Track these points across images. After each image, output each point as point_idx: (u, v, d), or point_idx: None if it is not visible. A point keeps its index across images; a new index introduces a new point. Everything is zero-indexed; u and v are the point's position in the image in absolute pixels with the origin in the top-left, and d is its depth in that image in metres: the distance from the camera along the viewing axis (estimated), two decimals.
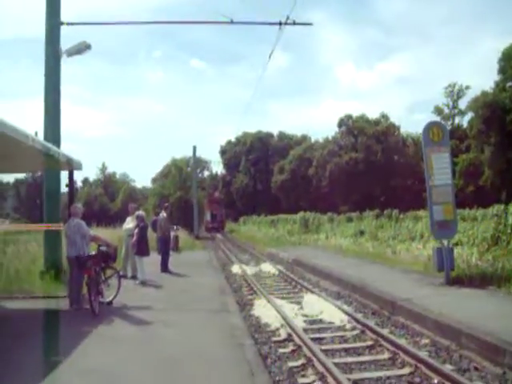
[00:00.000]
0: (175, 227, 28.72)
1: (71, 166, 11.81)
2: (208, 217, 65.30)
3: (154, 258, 17.04)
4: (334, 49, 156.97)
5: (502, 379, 6.69)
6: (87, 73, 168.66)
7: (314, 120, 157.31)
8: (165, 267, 17.49)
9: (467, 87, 74.24)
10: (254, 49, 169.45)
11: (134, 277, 15.21)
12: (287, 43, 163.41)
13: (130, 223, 16.06)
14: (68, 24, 14.41)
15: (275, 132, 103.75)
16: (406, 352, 7.85)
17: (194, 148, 52.50)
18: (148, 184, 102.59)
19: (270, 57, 18.95)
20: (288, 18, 15.93)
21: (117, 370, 6.63)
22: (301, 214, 52.37)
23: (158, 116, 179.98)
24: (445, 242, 12.67)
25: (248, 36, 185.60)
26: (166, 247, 18.22)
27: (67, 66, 14.77)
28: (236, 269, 21.00)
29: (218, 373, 6.53)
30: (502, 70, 57.58)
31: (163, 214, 18.34)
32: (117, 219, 33.40)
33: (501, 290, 11.22)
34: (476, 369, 7.20)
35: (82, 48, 14.38)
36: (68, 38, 14.57)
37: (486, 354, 7.43)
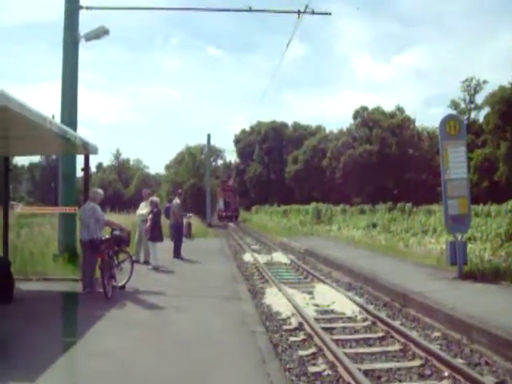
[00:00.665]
0: (188, 214, 28.86)
1: (87, 150, 11.84)
2: (221, 205, 63.10)
3: (167, 244, 17.14)
4: (352, 40, 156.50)
5: None
6: (103, 59, 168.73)
7: (330, 111, 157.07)
8: (177, 253, 17.59)
9: (484, 82, 73.75)
10: (271, 38, 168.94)
11: (146, 262, 15.30)
12: (304, 33, 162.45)
13: (143, 209, 16.12)
14: (87, 8, 14.45)
15: (290, 122, 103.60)
16: (417, 344, 7.85)
17: (209, 136, 52.56)
18: (161, 171, 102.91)
19: (287, 46, 18.93)
20: (307, 7, 15.91)
21: (130, 353, 6.69)
22: (313, 204, 52.34)
23: (173, 103, 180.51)
24: (458, 236, 12.62)
25: (265, 25, 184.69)
26: (179, 234, 18.31)
27: (83, 51, 14.84)
28: (248, 257, 21.09)
29: (229, 359, 6.57)
30: None
31: (177, 201, 18.40)
32: (130, 205, 33.54)
33: None
34: (487, 363, 7.18)
35: (100, 33, 14.40)
36: (85, 23, 14.66)
37: (497, 349, 7.41)
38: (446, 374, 6.68)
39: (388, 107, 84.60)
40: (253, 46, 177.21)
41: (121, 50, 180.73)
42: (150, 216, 14.97)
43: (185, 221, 26.35)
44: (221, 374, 6.02)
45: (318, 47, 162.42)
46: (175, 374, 5.95)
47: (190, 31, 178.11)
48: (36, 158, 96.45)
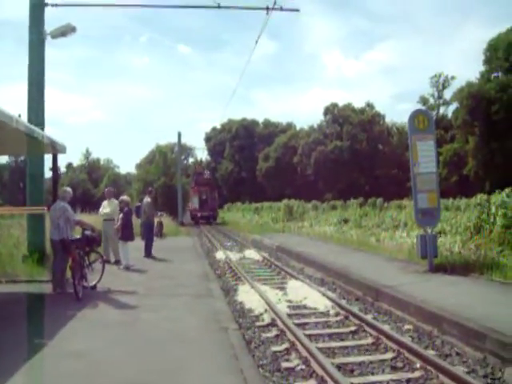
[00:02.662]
0: (159, 213, 28.72)
1: (55, 149, 11.69)
2: (195, 203, 52.28)
3: (138, 243, 17.04)
4: (321, 37, 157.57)
5: (483, 363, 6.78)
6: (71, 58, 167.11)
7: (301, 108, 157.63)
8: (148, 252, 17.44)
9: (453, 77, 75.04)
10: (240, 35, 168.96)
11: (117, 262, 15.14)
12: (274, 31, 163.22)
13: (106, 207, 15.79)
14: (52, 5, 14.24)
15: (260, 119, 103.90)
16: (389, 337, 7.91)
17: (179, 134, 52.10)
18: (132, 170, 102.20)
19: (256, 42, 18.82)
20: (275, 3, 15.93)
21: (101, 353, 6.60)
22: (285, 201, 52.48)
23: (143, 102, 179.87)
24: (428, 230, 12.74)
25: (235, 22, 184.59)
26: (150, 233, 18.14)
27: (52, 50, 14.66)
28: (220, 255, 21.02)
29: (202, 356, 6.52)
30: (488, 61, 57.97)
31: (147, 200, 18.22)
32: (101, 205, 33.16)
33: (483, 277, 11.33)
34: (458, 354, 7.28)
35: (66, 30, 14.21)
36: (53, 22, 14.46)
37: (467, 340, 7.49)
38: (418, 365, 6.75)
39: (358, 103, 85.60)
40: (222, 44, 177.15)
41: (89, 48, 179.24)
42: (121, 215, 14.86)
43: (156, 220, 26.22)
44: (194, 371, 5.97)
45: (287, 44, 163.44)
46: (148, 373, 5.88)
47: (160, 29, 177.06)
48: (4, 159, 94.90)
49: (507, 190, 15.67)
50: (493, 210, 15.25)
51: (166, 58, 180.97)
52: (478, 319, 7.69)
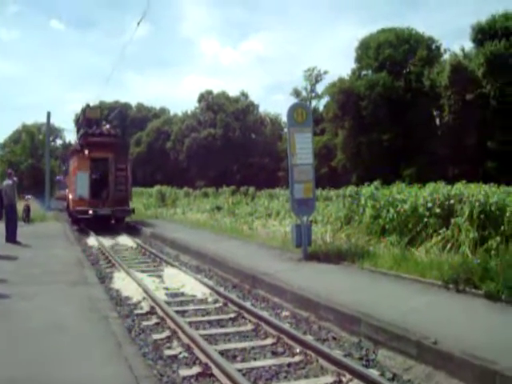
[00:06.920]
0: (27, 197, 27.44)
1: None
2: (83, 187, 24.63)
3: (2, 228, 16.28)
4: (198, 23, 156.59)
5: (358, 347, 7.16)
6: None
7: (176, 94, 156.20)
8: (13, 237, 16.56)
9: (325, 72, 77.50)
10: (111, 15, 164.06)
11: None
12: (148, 14, 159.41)
13: None
14: None
15: (134, 103, 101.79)
16: (269, 323, 8.10)
17: (48, 114, 49.66)
18: None
19: (138, 24, 18.44)
20: None
21: None
22: (157, 187, 51.95)
23: (10, 78, 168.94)
24: (304, 219, 13.13)
25: (109, 2, 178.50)
26: (14, 216, 17.22)
27: None
28: (92, 241, 20.48)
29: (84, 346, 6.33)
30: (359, 59, 60.49)
31: (8, 182, 17.25)
32: None
33: (354, 266, 11.84)
34: (334, 338, 7.63)
35: None
36: None
37: (343, 325, 7.84)
38: (298, 350, 6.97)
39: (234, 92, 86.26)
40: (94, 22, 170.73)
41: None
42: None
43: (24, 204, 25.01)
44: (77, 361, 5.77)
45: (161, 28, 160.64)
46: (25, 366, 5.60)
47: (30, 1, 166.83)
48: None
49: (376, 183, 16.49)
50: (362, 201, 15.96)
51: (39, 33, 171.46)
52: (352, 305, 8.06)
